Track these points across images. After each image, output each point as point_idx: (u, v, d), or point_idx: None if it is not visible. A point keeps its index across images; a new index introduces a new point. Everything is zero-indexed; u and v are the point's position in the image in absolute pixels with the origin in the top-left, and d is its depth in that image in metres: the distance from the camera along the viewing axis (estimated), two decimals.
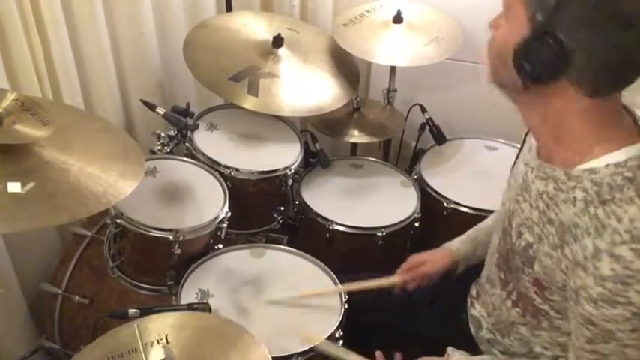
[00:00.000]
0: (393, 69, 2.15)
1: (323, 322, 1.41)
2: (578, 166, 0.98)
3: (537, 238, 1.07)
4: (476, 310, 1.33)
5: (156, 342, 1.10)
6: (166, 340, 1.11)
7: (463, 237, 1.48)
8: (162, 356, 1.07)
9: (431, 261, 1.47)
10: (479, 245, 1.44)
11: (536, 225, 1.07)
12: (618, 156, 0.95)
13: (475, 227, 1.48)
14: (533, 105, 1.02)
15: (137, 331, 1.11)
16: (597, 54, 0.91)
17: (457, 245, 1.47)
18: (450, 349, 1.25)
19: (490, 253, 1.28)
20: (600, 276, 0.93)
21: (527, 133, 1.18)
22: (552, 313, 1.11)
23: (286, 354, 1.31)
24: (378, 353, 1.30)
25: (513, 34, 0.95)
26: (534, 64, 0.94)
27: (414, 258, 1.50)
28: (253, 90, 1.83)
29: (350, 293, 1.46)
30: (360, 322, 1.43)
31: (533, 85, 0.96)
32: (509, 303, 1.20)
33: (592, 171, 0.97)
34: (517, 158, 1.22)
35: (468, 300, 1.38)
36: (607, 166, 0.95)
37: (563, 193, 1.01)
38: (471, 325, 1.35)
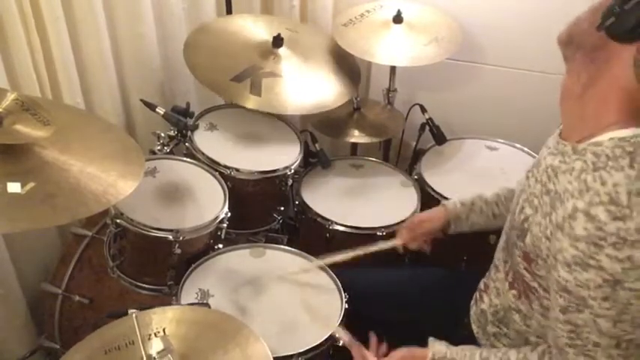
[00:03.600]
0: (393, 69, 2.15)
1: (323, 323, 1.41)
2: (587, 140, 1.00)
3: (534, 210, 1.09)
4: (484, 303, 1.33)
5: (154, 335, 1.10)
6: (164, 333, 1.11)
7: (462, 199, 1.51)
8: (161, 348, 1.06)
9: (429, 220, 1.55)
10: (472, 212, 1.48)
11: (536, 197, 1.09)
12: (625, 132, 0.97)
13: (477, 195, 1.50)
14: (587, 68, 1.01)
15: (135, 324, 1.11)
16: None
17: (452, 205, 1.51)
18: (431, 339, 1.27)
19: (501, 237, 1.29)
20: (574, 236, 0.95)
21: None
22: (541, 291, 1.12)
23: (286, 354, 1.31)
24: (372, 337, 1.33)
25: None
26: (624, 14, 0.93)
27: (415, 218, 1.60)
28: (256, 90, 1.83)
29: (356, 263, 1.52)
30: (360, 322, 1.43)
31: (607, 34, 0.95)
32: (507, 285, 1.22)
33: (596, 143, 0.99)
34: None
35: (475, 296, 1.38)
36: (611, 139, 0.97)
37: (565, 164, 1.03)
38: (474, 325, 1.35)
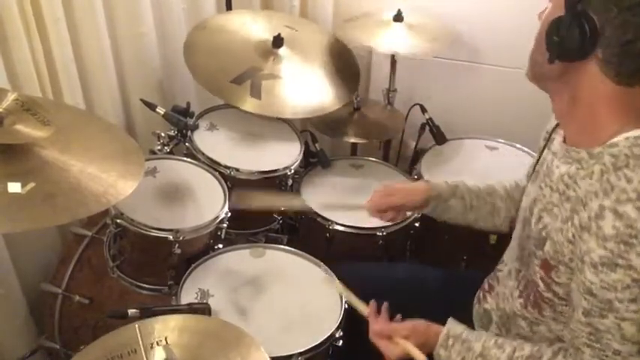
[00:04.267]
0: (393, 69, 2.15)
1: (323, 323, 1.41)
2: (599, 144, 1.00)
3: (554, 218, 1.07)
4: (488, 303, 1.32)
5: (156, 344, 1.10)
6: (166, 342, 1.11)
7: (449, 182, 1.45)
8: (163, 357, 1.07)
9: (403, 191, 1.46)
10: (454, 196, 1.42)
11: (556, 206, 1.08)
12: (638, 132, 0.97)
13: (464, 183, 1.45)
14: (564, 90, 1.03)
15: (138, 332, 1.11)
16: (624, 39, 0.92)
17: (436, 183, 1.45)
18: (451, 320, 1.24)
19: (511, 246, 1.29)
20: (603, 236, 0.93)
21: (554, 129, 1.20)
22: (556, 300, 1.11)
23: (286, 354, 1.31)
24: (372, 303, 1.32)
25: (551, 15, 0.99)
26: (564, 39, 0.96)
27: (388, 185, 1.50)
28: (256, 92, 1.83)
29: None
30: (360, 322, 1.43)
31: (561, 61, 0.98)
32: (516, 293, 1.21)
33: (611, 145, 0.98)
34: (545, 146, 1.22)
35: (478, 296, 1.37)
36: (627, 138, 0.97)
37: (583, 170, 1.02)
38: (476, 324, 1.35)
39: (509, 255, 1.29)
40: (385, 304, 1.31)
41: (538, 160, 1.23)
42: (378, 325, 1.27)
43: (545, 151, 1.20)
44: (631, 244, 0.91)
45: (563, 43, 0.96)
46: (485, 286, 1.36)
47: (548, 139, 1.21)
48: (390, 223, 1.77)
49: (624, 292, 0.93)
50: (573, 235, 1.01)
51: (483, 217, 1.42)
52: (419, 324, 1.24)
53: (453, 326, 1.22)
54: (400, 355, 1.22)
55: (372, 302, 1.32)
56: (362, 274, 1.57)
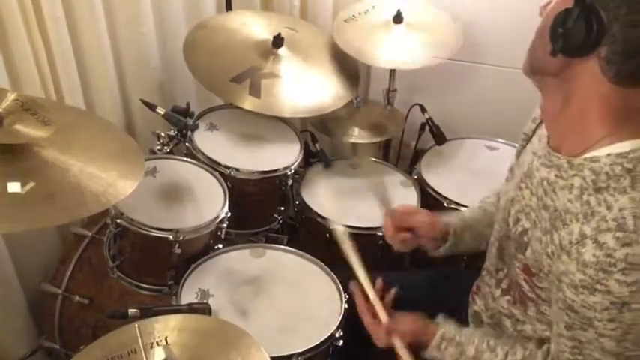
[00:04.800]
0: (393, 69, 2.14)
1: (323, 323, 1.41)
2: (582, 155, 0.99)
3: (532, 224, 1.08)
4: (477, 305, 1.33)
5: (156, 344, 1.10)
6: (166, 341, 1.11)
7: (462, 223, 1.40)
8: (163, 357, 1.07)
9: (427, 221, 1.38)
10: (467, 229, 1.39)
11: (533, 211, 1.09)
12: (622, 147, 0.96)
13: (473, 218, 1.42)
14: (559, 88, 1.02)
15: (138, 332, 1.11)
16: (629, 38, 0.91)
17: (454, 224, 1.39)
18: (440, 318, 1.25)
19: (490, 242, 1.29)
20: (582, 262, 0.94)
21: (537, 126, 1.19)
22: (540, 301, 1.12)
23: (286, 354, 1.31)
24: (378, 281, 1.33)
25: (557, 8, 0.97)
26: (570, 32, 0.94)
27: (414, 209, 1.47)
28: (255, 91, 1.83)
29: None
30: (360, 322, 1.43)
31: (564, 55, 0.96)
32: (498, 292, 1.22)
33: (593, 159, 0.98)
34: (523, 147, 1.23)
35: (469, 297, 1.38)
36: (608, 155, 0.96)
37: (562, 180, 1.02)
38: (471, 325, 1.35)
39: (489, 253, 1.29)
40: (394, 290, 1.31)
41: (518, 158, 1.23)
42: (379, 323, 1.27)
43: (529, 147, 1.20)
44: (609, 271, 0.92)
45: (569, 37, 0.95)
46: (474, 287, 1.37)
47: (529, 139, 1.20)
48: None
49: (602, 312, 0.95)
50: (552, 252, 1.02)
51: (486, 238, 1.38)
52: (417, 325, 1.25)
53: (447, 329, 1.23)
54: (388, 346, 1.24)
55: (379, 280, 1.33)
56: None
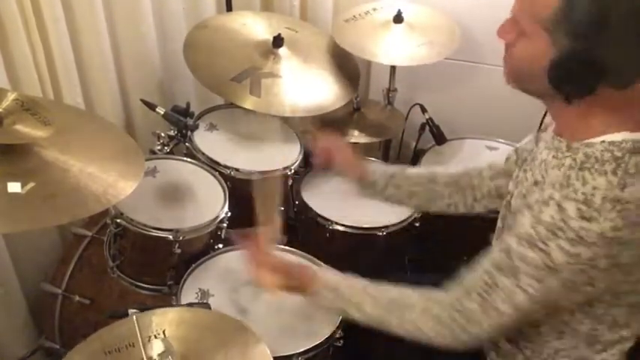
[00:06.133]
0: (393, 69, 2.15)
1: (323, 323, 1.41)
2: (581, 141, 1.02)
3: (523, 200, 1.11)
4: None
5: (154, 337, 1.10)
6: (164, 335, 1.11)
7: (387, 169, 1.45)
8: (161, 349, 1.07)
9: (348, 154, 1.46)
10: (391, 185, 1.43)
11: (525, 188, 1.11)
12: (617, 137, 0.99)
13: (403, 170, 1.46)
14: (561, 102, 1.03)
15: (136, 326, 1.11)
16: (633, 58, 0.94)
17: (374, 171, 1.45)
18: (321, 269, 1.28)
19: (497, 226, 1.30)
20: (538, 219, 0.98)
21: (544, 115, 1.21)
22: None
23: (286, 354, 1.31)
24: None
25: (538, 54, 0.98)
26: (573, 83, 0.96)
27: (343, 145, 1.51)
28: (255, 90, 1.83)
29: None
30: (358, 327, 1.43)
31: (574, 99, 0.99)
32: None
33: (588, 144, 1.01)
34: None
35: None
36: (602, 142, 0.99)
37: (556, 160, 1.05)
38: None
39: (495, 235, 1.31)
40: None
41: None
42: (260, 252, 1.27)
43: (538, 137, 1.22)
44: (558, 235, 0.96)
45: (576, 89, 0.97)
46: None
47: (541, 122, 1.24)
48: (390, 223, 1.77)
49: (533, 269, 0.99)
50: (519, 209, 1.06)
51: (425, 202, 1.45)
52: (291, 265, 1.29)
53: (323, 280, 1.23)
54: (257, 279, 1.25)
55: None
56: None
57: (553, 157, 1.06)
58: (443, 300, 1.13)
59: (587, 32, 0.92)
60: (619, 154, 0.97)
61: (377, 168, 1.47)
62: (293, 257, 1.33)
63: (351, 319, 1.21)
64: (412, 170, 1.47)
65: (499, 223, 1.26)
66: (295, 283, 1.24)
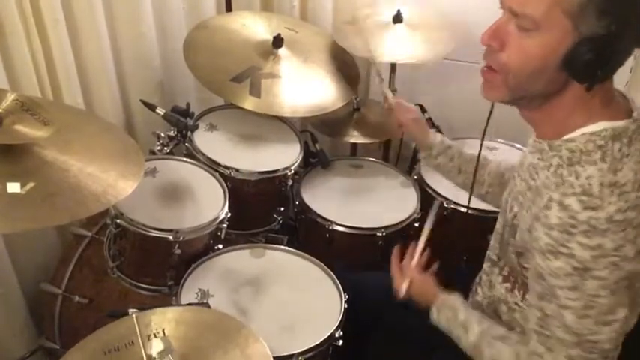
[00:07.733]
0: (393, 69, 2.14)
1: (323, 323, 1.41)
2: (561, 138, 1.04)
3: (520, 206, 1.13)
4: (478, 295, 1.34)
5: (154, 335, 1.10)
6: (164, 333, 1.11)
7: (447, 141, 1.55)
8: (161, 348, 1.06)
9: (419, 125, 1.58)
10: (445, 155, 1.52)
11: (521, 195, 1.13)
12: (595, 127, 1.01)
13: (459, 147, 1.54)
14: (539, 99, 1.05)
15: (136, 324, 1.11)
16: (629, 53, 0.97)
17: (436, 137, 1.54)
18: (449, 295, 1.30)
19: (495, 231, 1.31)
20: (548, 225, 0.99)
21: None
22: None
23: (286, 354, 1.31)
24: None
25: (553, 44, 0.97)
26: (598, 65, 0.96)
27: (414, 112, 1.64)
28: (255, 91, 1.83)
29: None
30: (360, 323, 1.43)
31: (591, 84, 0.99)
32: (500, 279, 1.25)
33: (569, 140, 1.03)
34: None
35: (472, 288, 1.39)
36: (583, 135, 1.01)
37: (543, 161, 1.07)
38: None
39: (493, 242, 1.32)
40: (435, 265, 1.39)
41: None
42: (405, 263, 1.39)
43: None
44: (572, 233, 0.96)
45: (599, 70, 0.97)
46: (477, 279, 1.38)
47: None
48: (390, 224, 1.77)
49: (565, 279, 0.99)
50: (530, 225, 1.06)
51: (470, 183, 1.45)
52: (430, 283, 1.33)
53: (447, 297, 1.28)
54: (398, 287, 1.35)
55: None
56: (361, 279, 1.57)
57: (539, 159, 1.09)
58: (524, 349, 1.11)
59: (615, 9, 0.92)
60: (601, 142, 0.99)
61: (439, 135, 1.54)
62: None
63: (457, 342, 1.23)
64: (468, 150, 1.52)
65: (497, 231, 1.26)
66: (424, 291, 1.32)
